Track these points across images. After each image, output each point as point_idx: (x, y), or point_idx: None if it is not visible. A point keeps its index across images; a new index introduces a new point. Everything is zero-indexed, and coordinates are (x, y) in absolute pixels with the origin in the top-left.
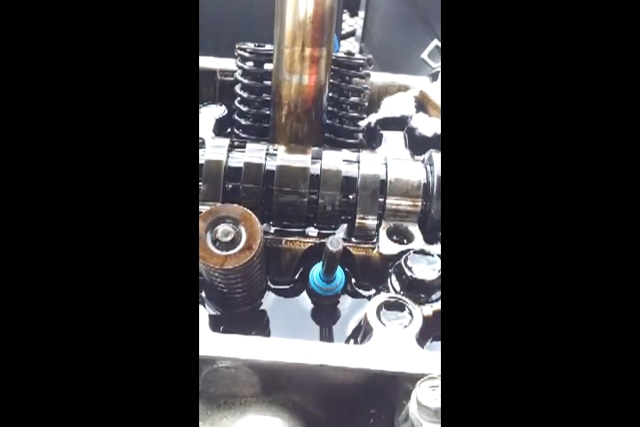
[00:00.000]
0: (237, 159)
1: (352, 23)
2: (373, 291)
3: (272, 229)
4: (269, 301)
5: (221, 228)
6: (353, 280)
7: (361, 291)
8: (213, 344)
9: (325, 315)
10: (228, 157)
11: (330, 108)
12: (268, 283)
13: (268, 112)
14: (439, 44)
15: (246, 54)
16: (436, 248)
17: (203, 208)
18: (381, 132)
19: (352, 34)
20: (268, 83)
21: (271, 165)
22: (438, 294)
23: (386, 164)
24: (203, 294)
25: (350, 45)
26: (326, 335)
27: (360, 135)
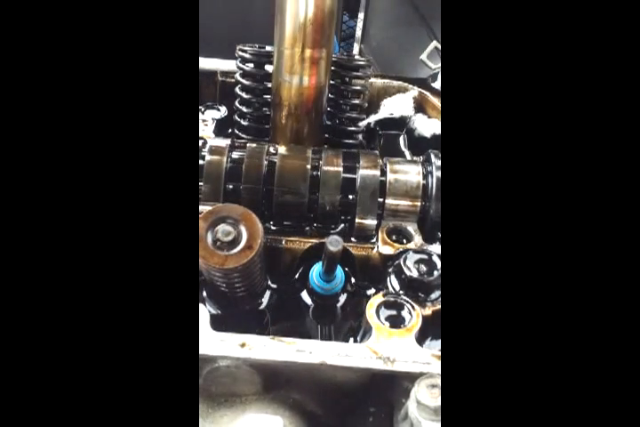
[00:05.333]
0: (238, 160)
1: (352, 25)
2: (373, 290)
3: (272, 229)
4: (269, 300)
5: (222, 228)
6: (353, 280)
7: (361, 290)
8: (214, 343)
9: (325, 314)
10: (228, 157)
11: (330, 109)
12: (268, 282)
13: (268, 113)
14: (438, 46)
15: (247, 56)
16: (436, 248)
17: (203, 208)
18: (381, 132)
19: (352, 35)
20: (268, 84)
21: (271, 165)
22: (437, 293)
23: (385, 164)
24: (203, 293)
25: (350, 47)
26: (326, 334)
27: (360, 136)
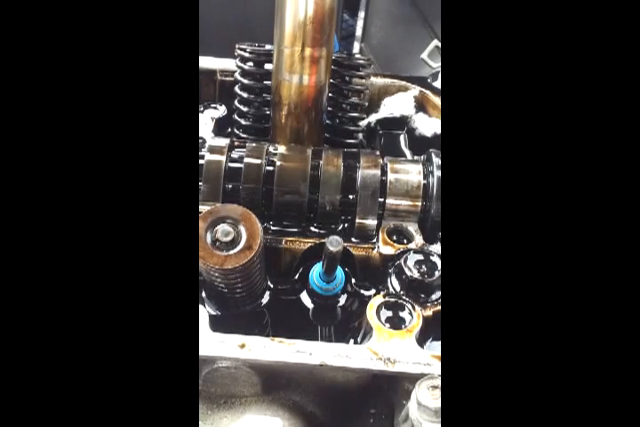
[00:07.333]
0: (237, 159)
1: (352, 23)
2: (373, 291)
3: (272, 229)
4: (269, 301)
5: (221, 228)
6: (353, 280)
7: (361, 291)
8: (213, 344)
9: (325, 315)
10: (228, 157)
11: (330, 109)
12: (268, 283)
13: (267, 112)
14: (439, 44)
15: (246, 54)
16: (437, 248)
17: (203, 208)
18: (381, 132)
19: (352, 34)
20: (267, 83)
21: (271, 165)
22: (438, 294)
23: (386, 164)
24: (203, 293)
25: (350, 46)
26: (326, 335)
27: (360, 135)
